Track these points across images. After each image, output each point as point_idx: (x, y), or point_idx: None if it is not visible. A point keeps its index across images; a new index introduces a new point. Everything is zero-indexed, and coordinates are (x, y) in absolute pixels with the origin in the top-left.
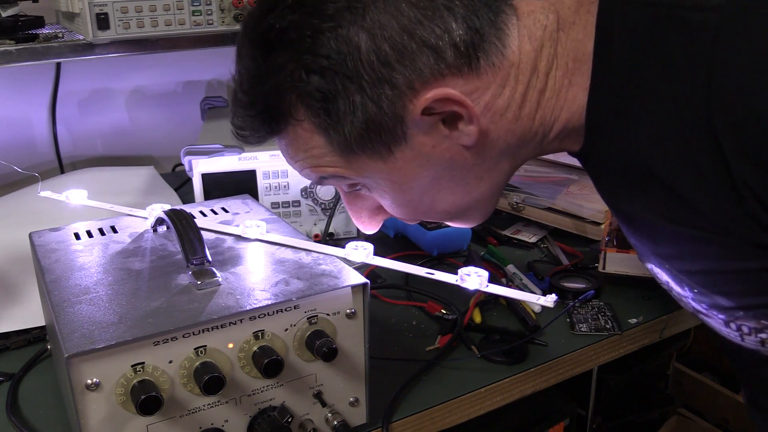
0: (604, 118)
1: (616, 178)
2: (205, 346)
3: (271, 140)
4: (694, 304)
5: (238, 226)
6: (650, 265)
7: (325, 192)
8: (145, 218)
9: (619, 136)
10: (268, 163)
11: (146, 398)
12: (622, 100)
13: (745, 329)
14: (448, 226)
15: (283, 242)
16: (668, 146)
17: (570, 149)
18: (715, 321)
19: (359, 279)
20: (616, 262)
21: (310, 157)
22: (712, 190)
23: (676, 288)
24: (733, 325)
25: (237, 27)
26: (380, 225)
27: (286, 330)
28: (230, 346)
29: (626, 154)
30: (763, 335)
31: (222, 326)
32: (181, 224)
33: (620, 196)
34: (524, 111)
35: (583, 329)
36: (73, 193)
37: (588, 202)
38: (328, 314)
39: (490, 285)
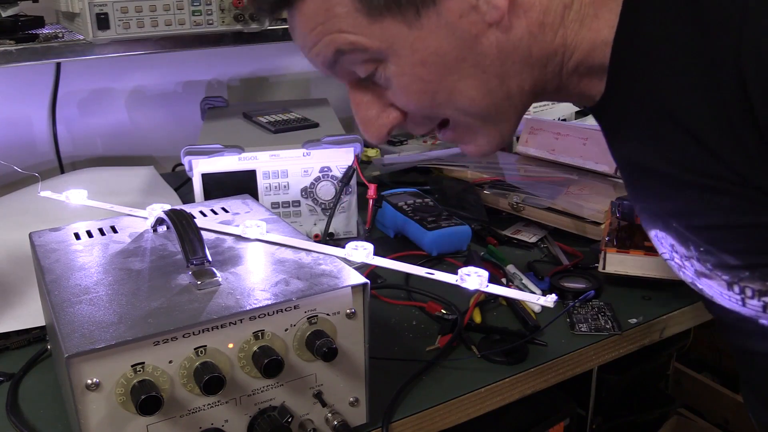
0: (629, 60)
1: (634, 125)
2: (205, 346)
3: (285, 11)
4: (698, 264)
5: (238, 226)
6: (654, 233)
7: (325, 192)
8: (145, 218)
9: (644, 79)
10: (268, 163)
11: (146, 398)
12: (650, 42)
13: (749, 292)
14: (449, 226)
15: (283, 242)
16: (695, 92)
17: (589, 93)
18: (717, 283)
19: (359, 279)
20: (616, 262)
21: (332, 18)
22: (736, 138)
23: (680, 250)
24: (736, 288)
25: (237, 27)
26: (387, 131)
27: (286, 330)
28: (230, 346)
29: (650, 98)
30: (767, 298)
31: (222, 326)
32: (181, 224)
33: (634, 147)
34: (548, 19)
35: (583, 329)
36: (73, 193)
37: (588, 202)
38: (328, 314)
39: (490, 285)
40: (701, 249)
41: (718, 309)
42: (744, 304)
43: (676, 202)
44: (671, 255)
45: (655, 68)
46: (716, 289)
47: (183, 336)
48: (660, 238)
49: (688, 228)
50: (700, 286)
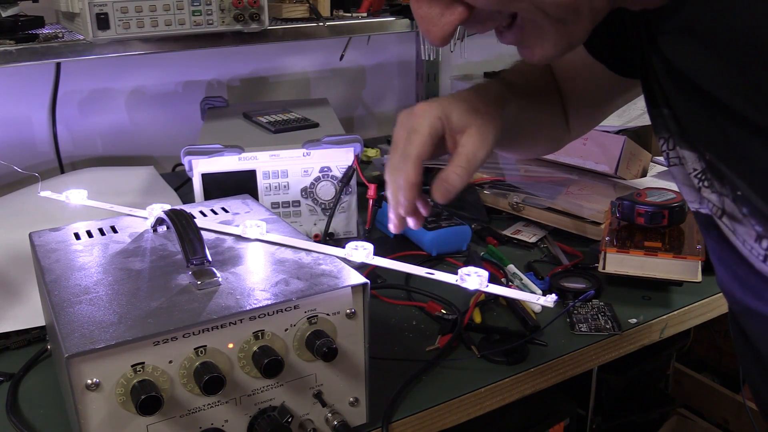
0: None
1: (703, 44)
2: (205, 346)
3: None
4: (730, 205)
5: (238, 226)
6: (683, 152)
7: (325, 192)
8: (145, 218)
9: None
10: (268, 163)
11: (146, 398)
12: None
13: None
14: (449, 226)
15: (283, 242)
16: None
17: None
18: (746, 230)
19: (359, 279)
20: (616, 262)
21: None
22: None
23: (714, 182)
24: (764, 242)
25: (237, 27)
26: (452, 29)
27: (286, 330)
28: (230, 346)
29: (729, 21)
30: None
31: (222, 326)
32: (181, 224)
33: (694, 62)
34: None
35: (583, 329)
36: (73, 193)
37: (588, 202)
38: (328, 314)
39: (490, 285)
40: (738, 193)
41: (728, 253)
42: (765, 260)
43: (726, 135)
44: (690, 183)
45: None
46: (741, 236)
47: (183, 336)
48: (682, 156)
49: (732, 167)
50: (721, 225)
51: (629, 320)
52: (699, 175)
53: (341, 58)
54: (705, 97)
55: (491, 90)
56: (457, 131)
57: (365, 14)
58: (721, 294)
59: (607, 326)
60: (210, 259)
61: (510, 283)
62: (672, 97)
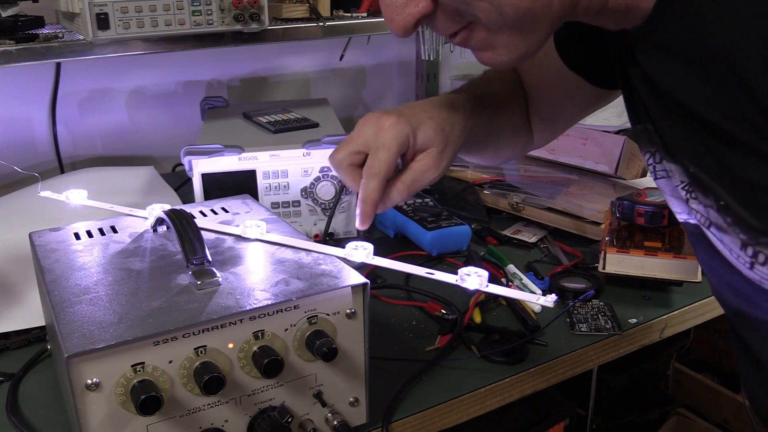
0: None
1: (681, 61)
2: (205, 346)
3: None
4: (714, 215)
5: (238, 226)
6: (669, 165)
7: (325, 192)
8: (145, 218)
9: (700, 17)
10: (268, 163)
11: (146, 398)
12: None
13: (761, 258)
14: (449, 226)
15: (283, 242)
16: (749, 38)
17: (638, 5)
18: (732, 239)
19: (359, 279)
20: (616, 262)
21: None
22: None
23: (698, 195)
24: (749, 249)
25: (237, 27)
26: (415, 21)
27: (286, 330)
28: (230, 346)
29: (703, 38)
30: None
31: (222, 326)
32: (181, 224)
33: (673, 80)
34: None
35: (583, 329)
36: (73, 193)
37: (588, 202)
38: (328, 314)
39: (490, 285)
40: (722, 203)
41: (718, 263)
42: (752, 267)
43: (707, 148)
44: (674, 192)
45: (714, 8)
46: (727, 245)
47: (183, 336)
48: (669, 169)
49: (715, 179)
50: (709, 234)
51: (629, 320)
52: (686, 187)
53: (341, 58)
54: (685, 112)
55: (461, 106)
56: (419, 149)
57: (365, 14)
58: None
59: (607, 326)
60: (210, 259)
61: (510, 283)
62: (654, 113)
